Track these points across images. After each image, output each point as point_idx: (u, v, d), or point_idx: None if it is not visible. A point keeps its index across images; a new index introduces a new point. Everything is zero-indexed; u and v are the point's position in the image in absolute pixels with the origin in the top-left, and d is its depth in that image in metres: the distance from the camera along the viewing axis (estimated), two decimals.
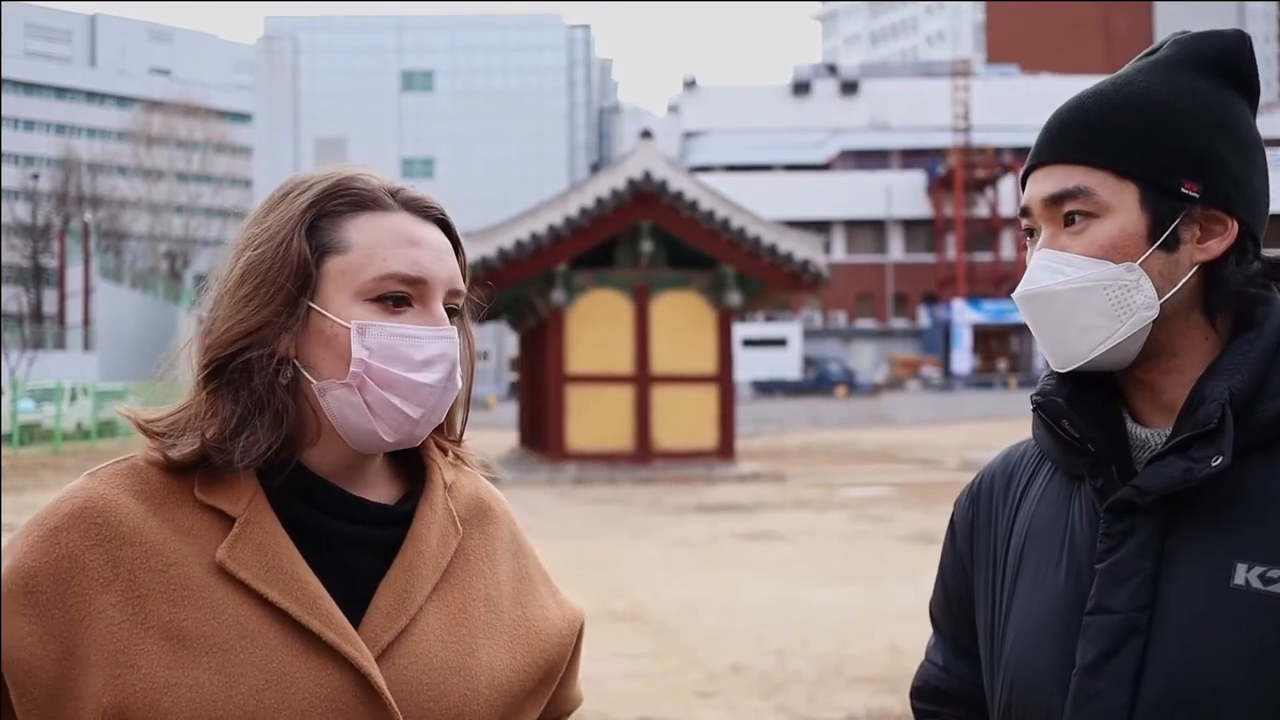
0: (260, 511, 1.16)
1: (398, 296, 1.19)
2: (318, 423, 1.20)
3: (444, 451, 1.32)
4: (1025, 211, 1.27)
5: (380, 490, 1.25)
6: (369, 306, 1.18)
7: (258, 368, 1.17)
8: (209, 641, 1.11)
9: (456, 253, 1.26)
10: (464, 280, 1.26)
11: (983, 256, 62.17)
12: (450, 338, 1.20)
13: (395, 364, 1.17)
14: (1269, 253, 1.26)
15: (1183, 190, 1.20)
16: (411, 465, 1.29)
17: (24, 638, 1.09)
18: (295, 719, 1.11)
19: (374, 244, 1.19)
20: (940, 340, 59.84)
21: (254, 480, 1.17)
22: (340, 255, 1.19)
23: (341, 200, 1.21)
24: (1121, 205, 1.21)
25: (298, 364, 1.19)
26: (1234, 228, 1.22)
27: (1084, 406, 1.25)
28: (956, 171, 60.54)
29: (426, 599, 1.21)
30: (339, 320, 1.18)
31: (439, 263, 1.21)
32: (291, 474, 1.19)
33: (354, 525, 1.20)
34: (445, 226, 1.26)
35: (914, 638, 7.85)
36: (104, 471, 1.19)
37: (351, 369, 1.17)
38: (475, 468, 1.37)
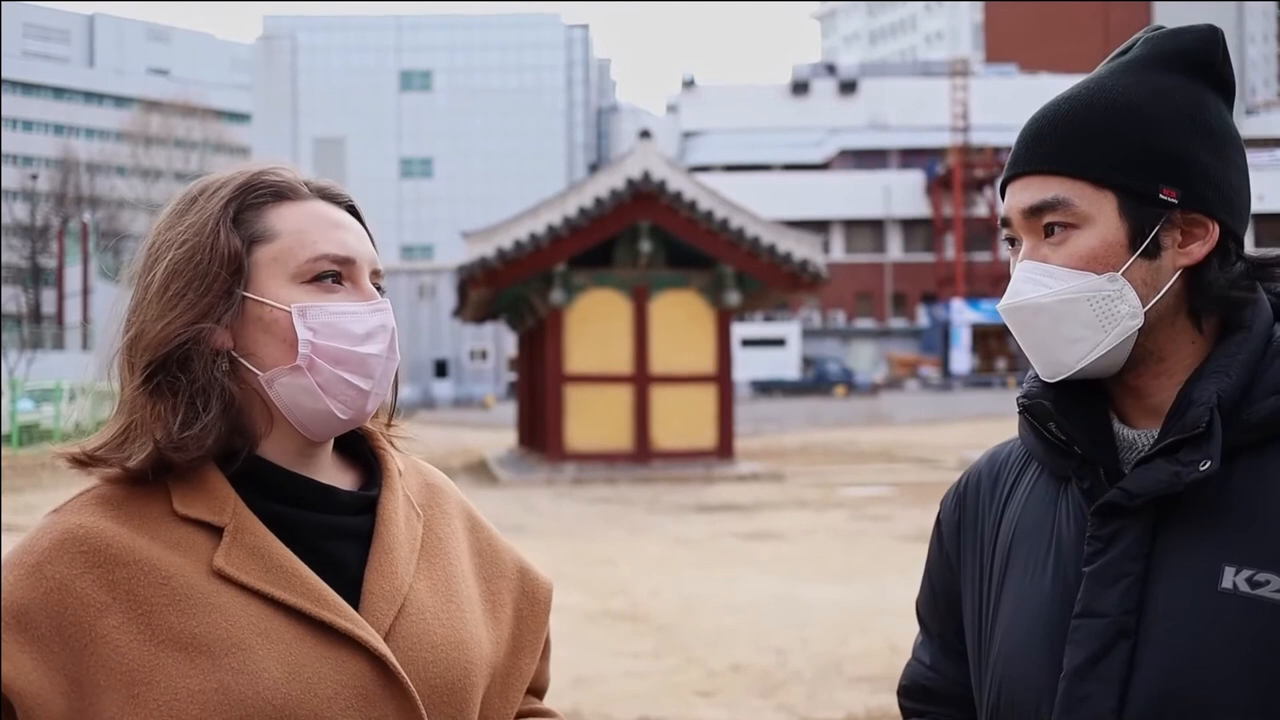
0: (245, 517, 1.17)
1: (331, 274, 1.22)
2: (268, 413, 1.22)
3: (388, 441, 1.35)
4: (1005, 222, 1.27)
5: (336, 479, 1.27)
6: (305, 289, 1.21)
7: (196, 361, 1.18)
8: (226, 644, 1.12)
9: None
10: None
11: (981, 256, 62.19)
12: (386, 310, 1.24)
13: (340, 340, 1.20)
14: (1252, 252, 1.25)
15: (1161, 196, 1.19)
16: (359, 456, 1.32)
17: (29, 673, 1.09)
18: (321, 707, 1.12)
19: (300, 229, 1.22)
20: (939, 340, 59.85)
21: (229, 486, 1.18)
22: (269, 243, 1.22)
23: (261, 192, 1.24)
24: (1100, 215, 1.20)
25: (235, 355, 1.20)
26: (1215, 230, 1.21)
27: (1070, 408, 1.25)
28: (955, 171, 60.56)
29: (412, 578, 1.23)
30: (278, 305, 1.20)
31: (362, 243, 1.26)
32: (256, 470, 1.20)
33: (329, 516, 1.22)
34: (354, 213, 1.29)
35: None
36: (71, 505, 1.18)
37: (300, 351, 1.19)
38: (412, 450, 1.39)
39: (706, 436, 21.38)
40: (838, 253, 60.68)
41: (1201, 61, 1.23)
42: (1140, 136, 1.20)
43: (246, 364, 1.20)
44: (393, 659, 1.16)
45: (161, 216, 1.25)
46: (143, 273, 1.23)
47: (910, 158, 65.50)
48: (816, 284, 21.81)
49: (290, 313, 1.19)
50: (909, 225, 64.27)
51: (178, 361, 1.18)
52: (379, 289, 1.26)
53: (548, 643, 1.42)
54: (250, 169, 1.26)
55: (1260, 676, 1.12)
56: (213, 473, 1.19)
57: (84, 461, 1.19)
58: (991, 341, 60.11)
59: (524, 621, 1.36)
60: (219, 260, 1.19)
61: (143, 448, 1.17)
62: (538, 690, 1.43)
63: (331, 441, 1.27)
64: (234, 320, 1.20)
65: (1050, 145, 1.22)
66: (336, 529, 1.22)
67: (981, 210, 62.28)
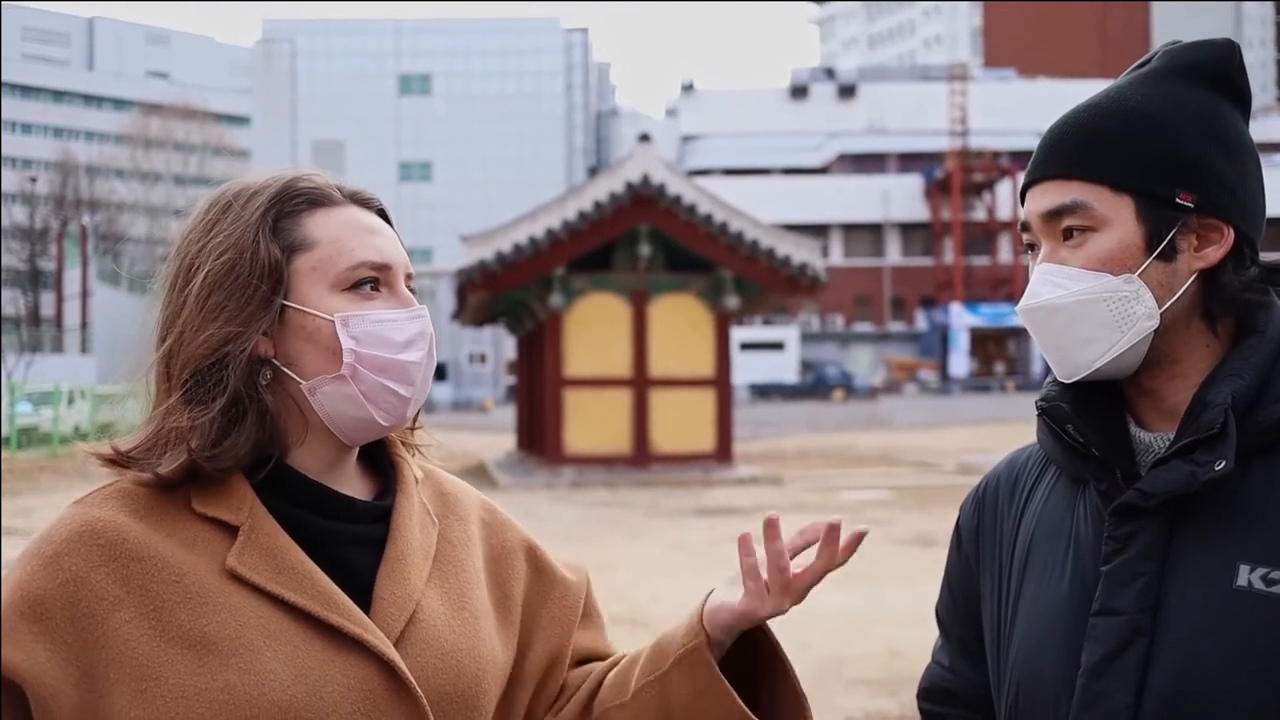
0: (261, 518, 1.18)
1: (370, 281, 1.22)
2: (304, 421, 1.22)
3: (406, 447, 1.35)
4: (1025, 226, 1.29)
5: (357, 487, 1.28)
6: (345, 296, 1.21)
7: (235, 373, 1.18)
8: (234, 643, 1.12)
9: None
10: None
11: (980, 260, 62.22)
12: (424, 316, 1.25)
13: (382, 348, 1.21)
14: (1266, 257, 1.28)
15: (1178, 200, 1.22)
16: (379, 463, 1.32)
17: (42, 663, 1.10)
18: (326, 710, 1.13)
19: (338, 236, 1.23)
20: (938, 343, 59.86)
21: (249, 488, 1.19)
22: (308, 251, 1.22)
23: (298, 199, 1.24)
24: (1118, 218, 1.23)
25: (278, 364, 1.21)
26: (1230, 235, 1.23)
27: (1088, 411, 1.27)
28: (954, 175, 60.59)
29: (425, 586, 1.24)
30: (320, 314, 1.20)
31: (396, 248, 1.27)
32: (281, 477, 1.21)
33: (345, 524, 1.23)
34: (384, 216, 1.30)
35: (913, 640, 7.88)
36: (93, 497, 1.19)
37: (344, 360, 1.19)
38: (433, 457, 1.40)
39: (705, 440, 21.38)
40: (836, 257, 60.71)
41: (1218, 73, 1.26)
42: (1158, 143, 1.23)
43: (289, 373, 1.21)
44: (401, 664, 1.16)
45: (191, 225, 1.25)
46: (178, 282, 1.23)
47: (909, 162, 65.54)
48: (815, 288, 21.82)
49: (333, 322, 1.20)
50: (907, 229, 64.30)
51: (218, 372, 1.19)
52: (410, 291, 1.27)
53: (597, 614, 1.44)
54: (283, 175, 1.26)
55: (1274, 672, 1.14)
56: (235, 474, 1.20)
57: (116, 461, 1.20)
58: (990, 345, 60.14)
59: (534, 619, 1.36)
60: (259, 271, 1.19)
61: (176, 456, 1.17)
62: (602, 655, 1.43)
63: (356, 450, 1.28)
64: (275, 329, 1.21)
65: (1070, 151, 1.25)
66: (352, 537, 1.23)
67: (980, 214, 62.31)
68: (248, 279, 1.19)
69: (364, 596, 1.20)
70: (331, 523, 1.22)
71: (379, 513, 1.26)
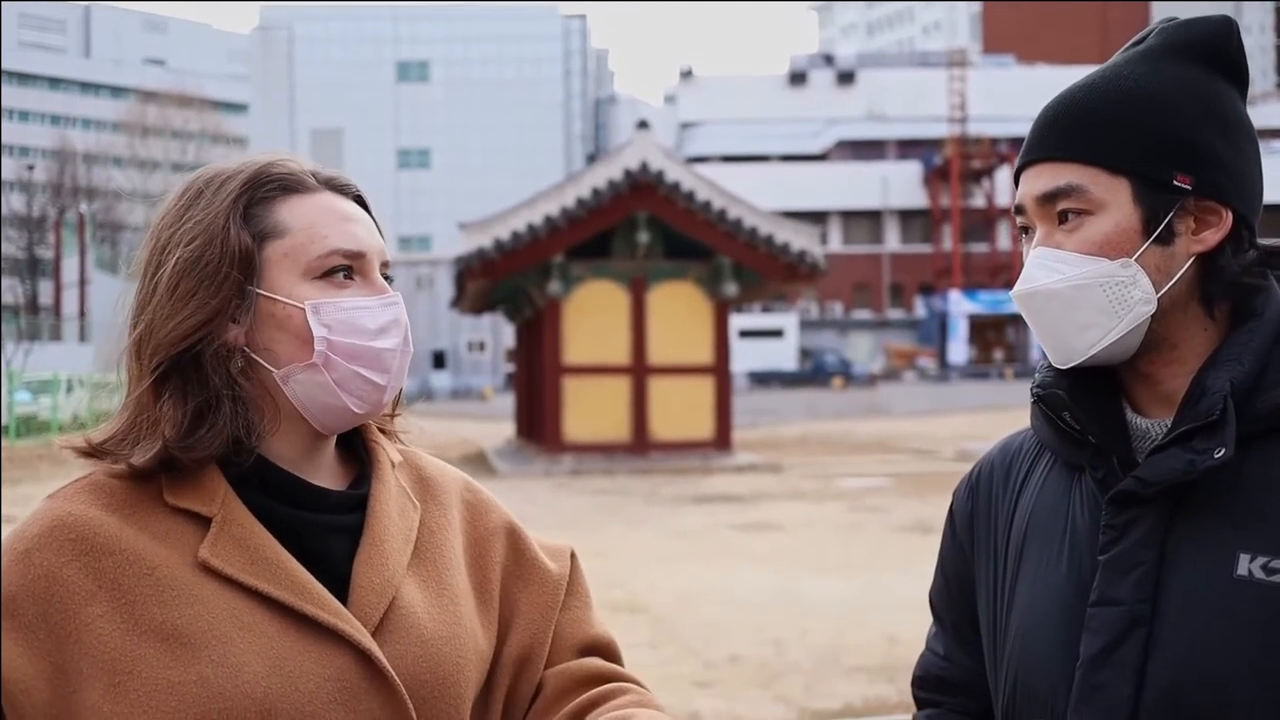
0: (234, 509, 1.16)
1: (343, 269, 1.21)
2: (276, 409, 1.21)
3: (385, 434, 1.33)
4: (1019, 209, 1.27)
5: (334, 475, 1.26)
6: (317, 284, 1.20)
7: (210, 360, 1.17)
8: (207, 636, 1.11)
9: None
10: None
11: (979, 247, 62.18)
12: (398, 303, 1.24)
13: (355, 336, 1.19)
14: (1264, 241, 1.26)
15: (1175, 183, 1.20)
16: (356, 451, 1.30)
17: (14, 660, 1.09)
18: (302, 702, 1.11)
19: (311, 223, 1.21)
20: (936, 331, 59.86)
21: (221, 479, 1.17)
22: (280, 238, 1.20)
23: (270, 185, 1.22)
24: (1115, 201, 1.20)
25: (249, 352, 1.19)
26: (1228, 217, 1.21)
27: (1084, 398, 1.25)
28: (953, 162, 60.51)
29: (405, 572, 1.22)
30: (291, 302, 1.19)
31: (371, 235, 1.24)
32: (254, 467, 1.19)
33: (320, 514, 1.21)
34: (361, 202, 1.28)
35: (911, 627, 7.90)
36: (65, 491, 1.18)
37: (315, 349, 1.18)
38: (414, 443, 1.37)
39: (704, 428, 21.39)
40: (835, 244, 60.64)
41: (1216, 51, 1.23)
42: (1155, 124, 1.20)
43: (261, 361, 1.20)
44: (378, 653, 1.15)
45: (164, 210, 1.23)
46: (149, 269, 1.21)
47: (908, 148, 65.46)
48: (814, 275, 21.80)
49: (304, 310, 1.19)
50: (906, 216, 64.25)
51: (189, 361, 1.17)
52: (386, 279, 1.25)
53: (583, 593, 1.37)
54: (256, 161, 1.24)
55: (1276, 661, 1.13)
56: (208, 465, 1.18)
57: (90, 454, 1.19)
58: (989, 333, 60.14)
59: (513, 604, 1.32)
60: (230, 258, 1.17)
61: (150, 446, 1.16)
62: (598, 647, 1.36)
63: (335, 437, 1.26)
64: (246, 317, 1.19)
65: (1065, 132, 1.23)
66: (328, 526, 1.21)
67: (979, 201, 62.25)
68: (218, 266, 1.17)
69: (342, 586, 1.18)
70: (306, 513, 1.20)
71: (355, 501, 1.24)
